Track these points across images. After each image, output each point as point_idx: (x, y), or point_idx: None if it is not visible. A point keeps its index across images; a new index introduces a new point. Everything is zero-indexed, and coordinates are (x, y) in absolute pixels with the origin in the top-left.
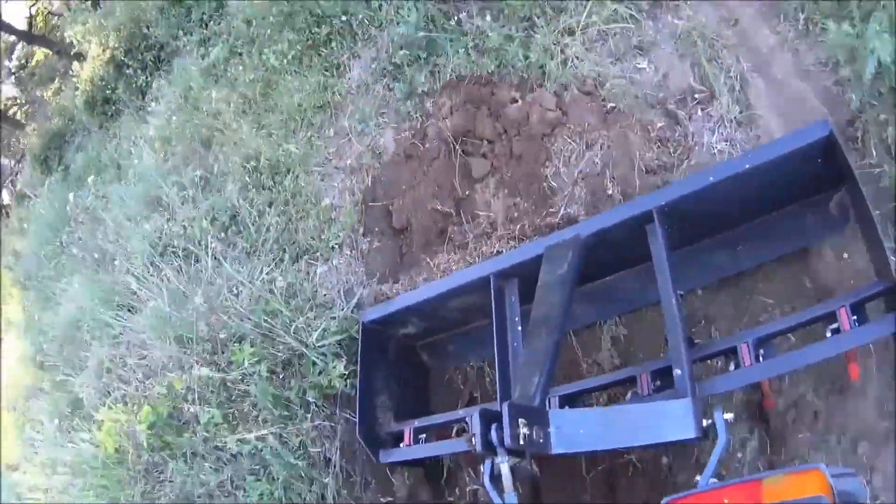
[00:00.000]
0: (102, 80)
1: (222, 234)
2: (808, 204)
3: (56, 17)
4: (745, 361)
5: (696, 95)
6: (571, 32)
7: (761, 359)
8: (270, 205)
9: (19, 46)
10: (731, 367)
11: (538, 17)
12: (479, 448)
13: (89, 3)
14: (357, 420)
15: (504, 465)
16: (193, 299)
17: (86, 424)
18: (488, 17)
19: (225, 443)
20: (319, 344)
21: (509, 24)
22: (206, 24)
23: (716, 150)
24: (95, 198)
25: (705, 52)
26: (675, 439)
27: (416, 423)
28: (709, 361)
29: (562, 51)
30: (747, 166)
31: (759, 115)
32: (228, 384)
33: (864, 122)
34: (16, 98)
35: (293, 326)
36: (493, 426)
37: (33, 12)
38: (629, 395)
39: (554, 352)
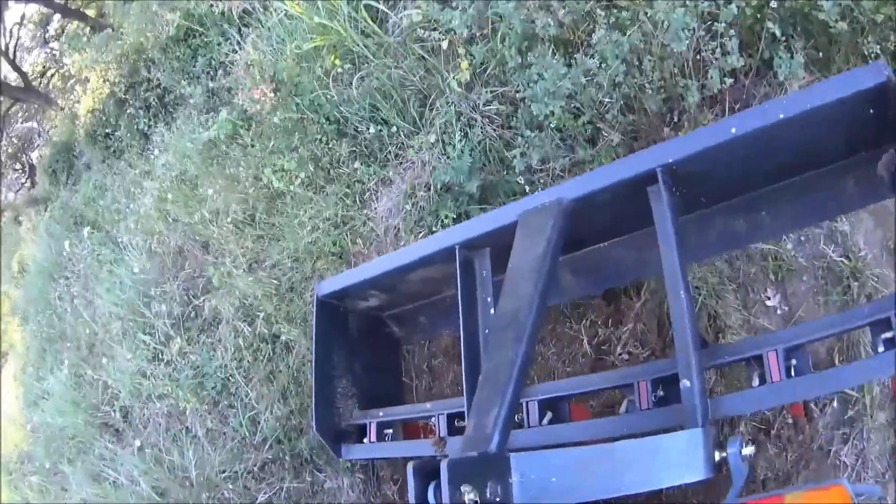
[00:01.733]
0: (104, 115)
1: (211, 407)
2: (850, 164)
3: None
4: (774, 376)
5: None
6: None
7: (793, 372)
8: (270, 378)
9: (56, 18)
10: (755, 380)
11: None
12: None
13: (87, 29)
14: (312, 410)
15: None
16: None
17: None
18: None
19: None
20: None
21: None
22: (214, 75)
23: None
24: (90, 253)
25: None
26: (680, 483)
27: (382, 414)
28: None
29: None
30: (781, 116)
31: None
32: None
33: None
34: (48, 65)
35: None
36: (432, 486)
37: None
38: (625, 404)
39: (521, 370)
